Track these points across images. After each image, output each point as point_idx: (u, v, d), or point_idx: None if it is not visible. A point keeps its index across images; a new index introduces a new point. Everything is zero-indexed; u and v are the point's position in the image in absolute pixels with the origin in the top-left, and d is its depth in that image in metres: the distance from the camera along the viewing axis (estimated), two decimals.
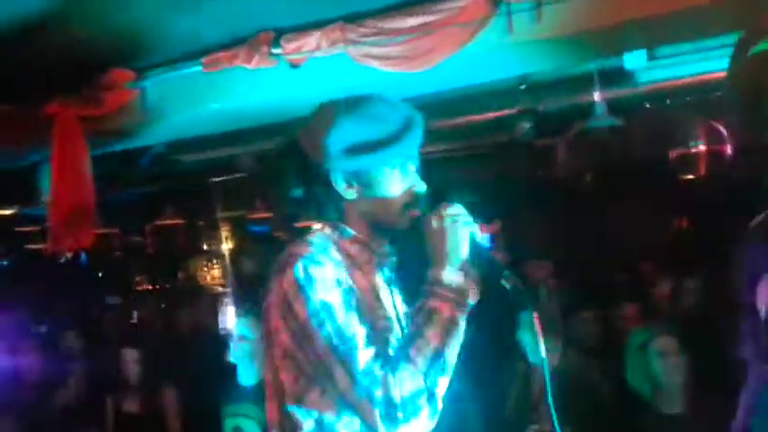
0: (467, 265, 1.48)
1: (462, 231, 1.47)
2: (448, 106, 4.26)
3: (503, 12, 2.69)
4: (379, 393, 1.35)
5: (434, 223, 1.48)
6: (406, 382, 1.36)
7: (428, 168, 1.59)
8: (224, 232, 7.09)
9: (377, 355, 1.39)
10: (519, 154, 5.06)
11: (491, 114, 4.32)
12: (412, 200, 1.55)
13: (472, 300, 1.51)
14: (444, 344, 1.41)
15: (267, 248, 5.87)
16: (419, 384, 1.37)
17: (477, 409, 3.05)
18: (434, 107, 4.28)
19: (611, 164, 4.73)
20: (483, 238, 1.51)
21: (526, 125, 4.29)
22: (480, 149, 5.12)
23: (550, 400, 1.46)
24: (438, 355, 1.40)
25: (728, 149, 4.23)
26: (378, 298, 1.52)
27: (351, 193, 1.53)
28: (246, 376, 3.07)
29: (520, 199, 5.42)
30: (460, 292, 1.46)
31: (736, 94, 1.33)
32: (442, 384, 1.41)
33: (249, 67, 3.13)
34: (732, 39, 1.91)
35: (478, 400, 3.04)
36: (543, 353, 1.48)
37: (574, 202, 5.48)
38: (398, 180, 1.53)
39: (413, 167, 1.57)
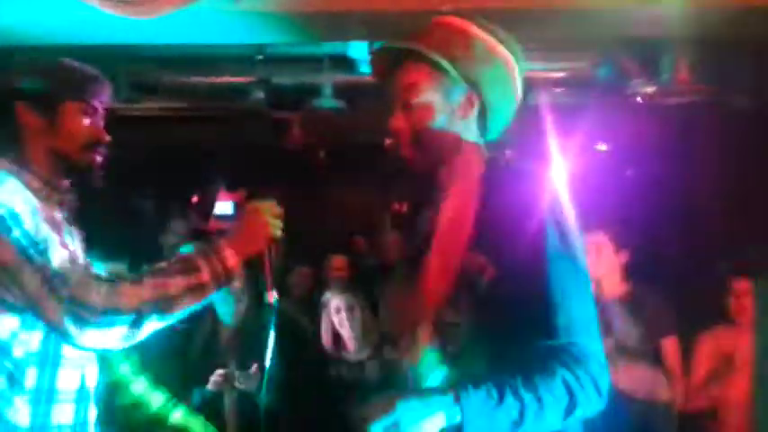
0: (260, 258, 1.56)
1: (267, 229, 1.57)
2: (184, 65, 4.19)
3: None
4: (71, 292, 1.38)
5: (252, 209, 1.57)
6: (117, 296, 1.40)
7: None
8: None
9: (73, 261, 1.43)
10: (254, 123, 5.15)
11: (226, 79, 4.34)
12: (93, 142, 1.61)
13: (230, 287, 1.58)
14: (179, 297, 1.46)
15: None
16: (131, 306, 1.41)
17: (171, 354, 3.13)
18: (168, 62, 4.19)
19: (337, 143, 5.04)
20: (227, 205, 1.58)
21: (260, 95, 4.39)
22: (215, 113, 5.11)
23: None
24: (168, 300, 1.45)
25: None
26: (57, 233, 1.53)
27: (35, 125, 1.56)
28: None
29: (256, 167, 5.54)
30: (227, 276, 1.52)
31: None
32: (154, 323, 1.45)
33: None
34: None
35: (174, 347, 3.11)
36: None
37: (305, 174, 5.80)
38: (82, 118, 1.60)
39: (98, 112, 1.64)
